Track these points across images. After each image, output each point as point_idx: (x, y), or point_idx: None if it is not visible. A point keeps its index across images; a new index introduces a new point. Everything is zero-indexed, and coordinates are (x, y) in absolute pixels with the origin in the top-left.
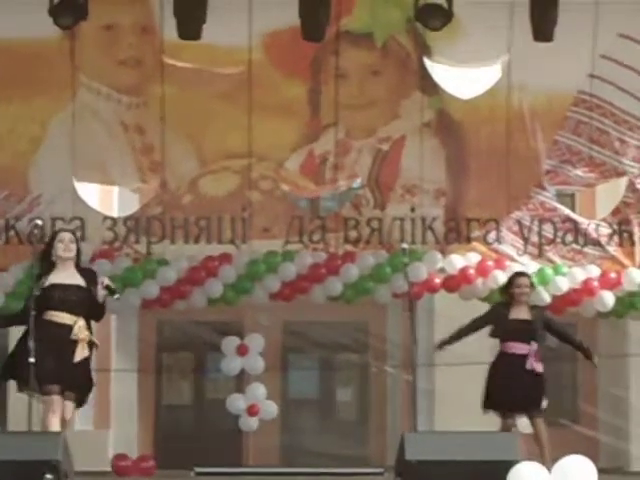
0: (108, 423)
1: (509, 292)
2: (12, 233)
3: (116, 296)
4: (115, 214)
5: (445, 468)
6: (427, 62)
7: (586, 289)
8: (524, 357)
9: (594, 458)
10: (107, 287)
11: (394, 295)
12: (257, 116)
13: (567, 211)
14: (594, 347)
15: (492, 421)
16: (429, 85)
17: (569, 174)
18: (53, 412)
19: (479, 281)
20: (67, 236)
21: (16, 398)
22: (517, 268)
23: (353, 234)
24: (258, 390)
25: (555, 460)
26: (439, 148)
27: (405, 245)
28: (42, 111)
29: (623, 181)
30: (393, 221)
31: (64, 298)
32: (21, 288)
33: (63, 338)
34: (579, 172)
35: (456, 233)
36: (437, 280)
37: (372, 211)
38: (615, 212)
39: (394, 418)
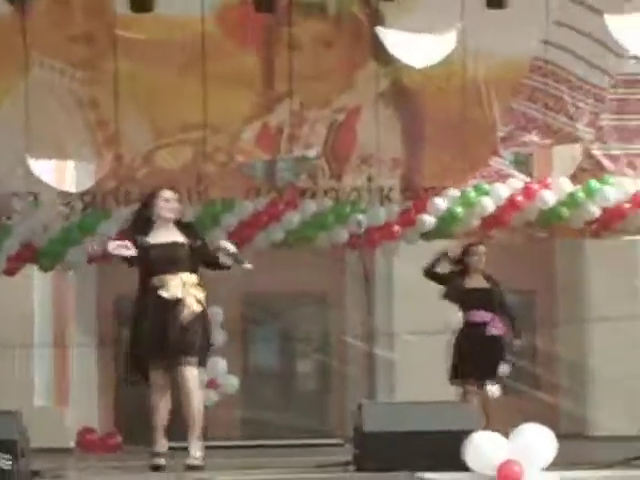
0: (67, 399)
1: (464, 261)
2: None
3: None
4: (70, 189)
5: (403, 439)
6: (380, 31)
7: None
8: (485, 325)
9: (554, 424)
10: (233, 254)
11: (349, 244)
12: (211, 88)
13: (523, 177)
14: (553, 313)
15: (453, 391)
16: (383, 55)
17: (524, 140)
18: (158, 390)
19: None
20: (172, 195)
21: None
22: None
23: None
24: (218, 364)
25: (514, 427)
26: (395, 118)
27: (360, 217)
28: None
29: (579, 147)
30: (350, 191)
31: (162, 258)
32: None
33: (163, 301)
34: (534, 138)
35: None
36: (396, 228)
37: (328, 182)
38: (572, 179)
39: (354, 389)
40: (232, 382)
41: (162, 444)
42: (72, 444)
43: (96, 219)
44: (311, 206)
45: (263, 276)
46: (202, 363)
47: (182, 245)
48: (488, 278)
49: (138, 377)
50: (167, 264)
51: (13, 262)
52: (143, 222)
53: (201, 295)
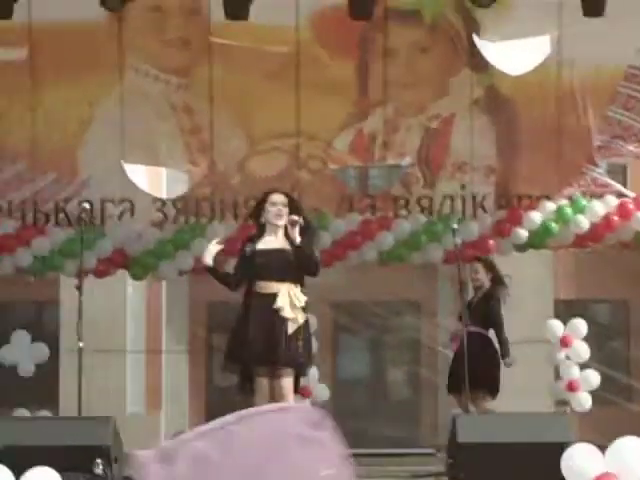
0: (159, 404)
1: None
2: (62, 215)
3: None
4: (164, 195)
5: (497, 450)
6: (476, 39)
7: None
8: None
9: None
10: (293, 222)
11: (444, 261)
12: (305, 95)
13: (619, 186)
14: None
15: (543, 403)
16: (478, 62)
17: (621, 149)
18: (262, 396)
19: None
20: (280, 199)
21: (67, 383)
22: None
23: (403, 213)
24: (310, 372)
25: (609, 441)
26: (489, 125)
27: (455, 226)
28: (91, 93)
29: None
30: (444, 199)
31: (267, 265)
32: (69, 246)
33: (270, 310)
34: (631, 147)
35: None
36: (490, 242)
37: (422, 189)
38: None
39: (446, 399)
40: (323, 391)
41: None
42: None
43: (190, 235)
44: (404, 226)
45: (354, 283)
46: (304, 372)
47: (287, 252)
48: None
49: (244, 383)
50: (271, 271)
51: (104, 265)
52: (256, 226)
53: (303, 304)
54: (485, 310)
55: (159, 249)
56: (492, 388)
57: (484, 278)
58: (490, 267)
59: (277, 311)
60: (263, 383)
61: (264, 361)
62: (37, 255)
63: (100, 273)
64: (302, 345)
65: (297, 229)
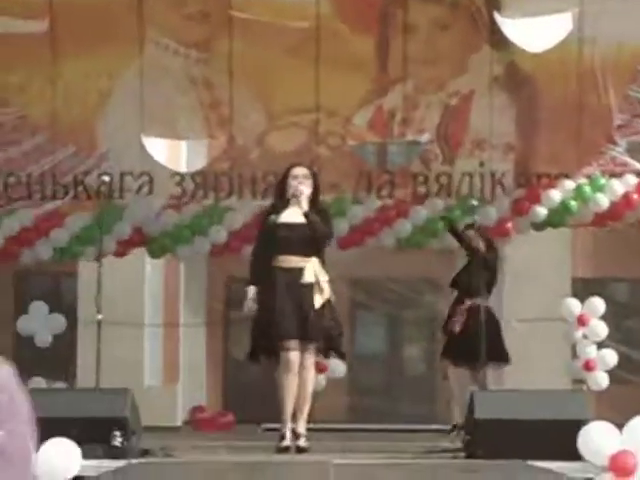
0: (177, 377)
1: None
2: (80, 188)
3: None
4: (183, 169)
5: (514, 427)
6: (497, 16)
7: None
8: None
9: None
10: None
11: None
12: (325, 71)
13: (638, 165)
14: None
15: (560, 381)
16: (499, 39)
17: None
18: (289, 370)
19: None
20: (302, 172)
21: (85, 355)
22: None
23: (422, 189)
24: None
25: (626, 419)
26: (508, 102)
27: (475, 202)
28: (110, 66)
29: None
30: (462, 176)
31: (289, 238)
32: (88, 233)
33: (297, 285)
34: None
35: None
36: (508, 224)
37: (441, 166)
38: None
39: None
40: (339, 367)
41: (289, 426)
42: (180, 423)
43: (208, 221)
44: (421, 213)
45: (372, 261)
46: (340, 342)
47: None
48: None
49: (262, 356)
50: (293, 245)
51: (123, 246)
52: (278, 199)
53: (327, 278)
54: (488, 275)
55: (176, 233)
56: (504, 358)
57: (479, 244)
58: (483, 234)
59: (304, 286)
60: (291, 357)
61: (294, 335)
62: (56, 247)
63: (119, 255)
64: (332, 318)
65: (303, 199)
